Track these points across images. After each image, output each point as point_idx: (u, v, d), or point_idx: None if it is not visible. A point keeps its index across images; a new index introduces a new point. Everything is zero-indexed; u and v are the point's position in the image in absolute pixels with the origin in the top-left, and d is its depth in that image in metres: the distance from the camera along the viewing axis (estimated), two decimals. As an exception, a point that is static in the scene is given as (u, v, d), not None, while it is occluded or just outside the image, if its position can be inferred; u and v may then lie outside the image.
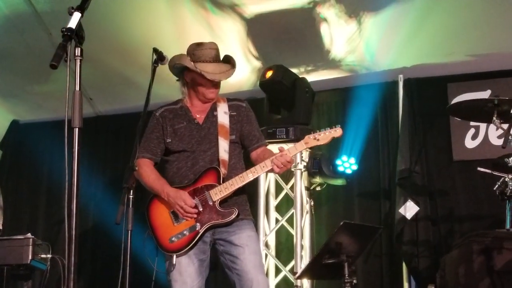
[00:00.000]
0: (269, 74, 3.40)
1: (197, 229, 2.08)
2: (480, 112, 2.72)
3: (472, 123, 3.47)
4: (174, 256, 2.08)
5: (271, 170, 2.14)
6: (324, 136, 2.15)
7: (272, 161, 2.06)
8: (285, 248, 3.70)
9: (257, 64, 3.70)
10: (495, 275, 2.39)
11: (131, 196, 1.81)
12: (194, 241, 2.09)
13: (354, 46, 3.50)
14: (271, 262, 3.58)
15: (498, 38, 3.31)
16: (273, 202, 3.67)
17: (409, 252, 3.38)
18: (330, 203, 3.76)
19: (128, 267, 1.78)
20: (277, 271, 3.59)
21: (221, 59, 2.24)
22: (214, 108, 2.26)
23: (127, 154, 1.99)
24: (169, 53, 2.09)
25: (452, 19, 3.22)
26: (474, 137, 3.55)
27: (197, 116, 2.24)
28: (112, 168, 4.35)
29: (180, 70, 2.20)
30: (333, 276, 2.58)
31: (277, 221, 3.62)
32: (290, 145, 2.31)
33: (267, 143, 2.41)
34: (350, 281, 2.28)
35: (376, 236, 2.93)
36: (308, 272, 2.76)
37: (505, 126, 2.53)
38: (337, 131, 2.16)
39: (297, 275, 3.06)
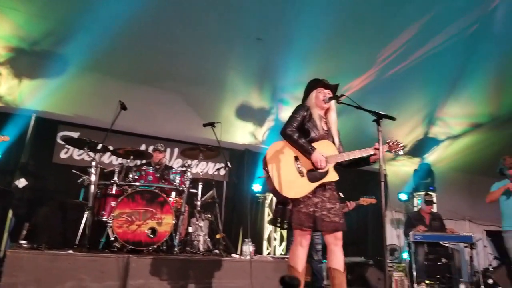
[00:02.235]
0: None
1: None
2: (76, 142, 5.43)
3: (67, 146, 6.72)
4: None
5: None
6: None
7: None
8: None
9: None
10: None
11: None
12: None
13: (12, 91, 6.18)
14: None
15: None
16: None
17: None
18: None
19: None
20: None
21: None
22: None
23: None
24: None
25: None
26: (66, 152, 6.89)
27: None
28: None
29: None
30: None
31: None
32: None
33: None
34: None
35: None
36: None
37: (91, 153, 4.92)
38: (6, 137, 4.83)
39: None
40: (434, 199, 7.83)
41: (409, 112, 7.67)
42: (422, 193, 8.59)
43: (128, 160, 5.34)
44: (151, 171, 5.29)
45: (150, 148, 6.92)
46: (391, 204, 9.22)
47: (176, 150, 7.57)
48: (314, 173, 3.15)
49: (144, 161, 6.13)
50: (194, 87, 6.89)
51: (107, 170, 5.39)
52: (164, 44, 6.03)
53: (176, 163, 7.53)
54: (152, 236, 4.64)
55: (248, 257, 4.99)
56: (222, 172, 7.58)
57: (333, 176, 3.20)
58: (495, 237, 7.42)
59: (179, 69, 6.52)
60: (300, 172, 3.12)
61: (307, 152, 3.16)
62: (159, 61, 6.33)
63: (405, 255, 7.85)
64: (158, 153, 6.22)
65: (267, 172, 3.10)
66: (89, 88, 6.50)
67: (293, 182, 3.07)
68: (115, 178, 5.08)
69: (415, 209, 8.52)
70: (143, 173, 5.24)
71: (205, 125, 5.60)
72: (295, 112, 3.34)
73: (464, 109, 7.99)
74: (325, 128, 3.37)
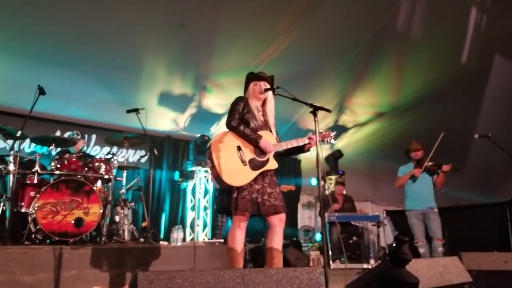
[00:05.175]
0: None
1: None
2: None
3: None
4: None
5: None
6: None
7: None
8: None
9: None
10: None
11: None
12: None
13: None
14: None
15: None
16: None
17: None
18: None
19: None
20: None
21: None
22: None
23: None
24: None
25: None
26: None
27: None
28: None
29: None
30: None
31: None
32: None
33: None
34: None
35: None
36: None
37: (10, 141, 4.80)
38: None
39: None
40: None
41: (322, 101, 8.22)
42: (333, 176, 9.29)
43: (49, 148, 5.06)
44: (74, 159, 5.07)
45: (66, 135, 6.55)
46: (303, 188, 9.85)
47: (93, 137, 7.23)
48: (255, 162, 3.34)
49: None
50: (112, 72, 6.61)
51: (27, 159, 5.06)
52: (79, 24, 5.69)
53: (94, 151, 7.21)
54: (78, 226, 4.50)
55: (179, 243, 5.05)
56: (143, 160, 7.47)
57: (273, 164, 3.41)
58: (394, 216, 8.36)
59: (97, 52, 6.20)
60: (243, 161, 3.27)
61: (254, 141, 3.32)
62: (75, 42, 5.96)
63: (318, 236, 8.48)
64: (82, 140, 5.94)
65: (212, 161, 3.19)
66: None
67: (237, 171, 3.22)
68: (36, 167, 4.77)
69: (326, 192, 9.19)
70: (66, 162, 5.01)
71: (128, 111, 5.46)
72: (235, 104, 3.48)
73: (369, 99, 8.79)
74: (262, 119, 3.54)
